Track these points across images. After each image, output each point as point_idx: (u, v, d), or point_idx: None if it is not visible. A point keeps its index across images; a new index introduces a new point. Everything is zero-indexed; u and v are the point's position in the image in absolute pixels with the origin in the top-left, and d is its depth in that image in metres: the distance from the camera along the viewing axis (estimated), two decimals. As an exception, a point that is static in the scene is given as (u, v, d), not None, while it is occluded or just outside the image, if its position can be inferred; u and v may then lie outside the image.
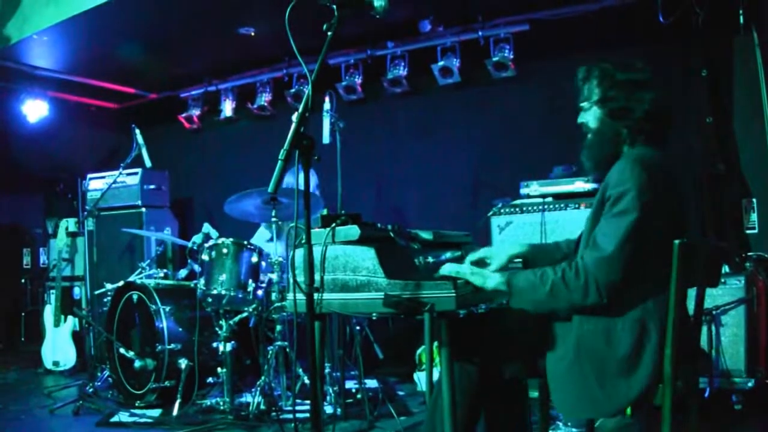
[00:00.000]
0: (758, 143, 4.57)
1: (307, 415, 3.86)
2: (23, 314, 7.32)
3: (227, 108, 6.85)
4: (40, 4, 5.48)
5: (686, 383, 2.11)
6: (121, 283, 4.94)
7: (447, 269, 2.25)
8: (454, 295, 2.08)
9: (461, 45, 5.62)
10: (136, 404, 4.54)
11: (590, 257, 2.08)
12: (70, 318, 5.93)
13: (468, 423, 2.29)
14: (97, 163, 7.38)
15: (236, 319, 4.39)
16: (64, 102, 7.18)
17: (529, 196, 4.52)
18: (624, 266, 2.04)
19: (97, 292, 5.48)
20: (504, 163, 5.59)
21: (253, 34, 5.71)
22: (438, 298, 2.09)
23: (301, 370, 4.38)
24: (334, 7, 2.17)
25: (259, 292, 4.28)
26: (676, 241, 2.03)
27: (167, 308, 4.60)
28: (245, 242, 4.39)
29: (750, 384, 3.80)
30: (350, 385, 4.55)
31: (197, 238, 4.66)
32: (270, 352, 4.27)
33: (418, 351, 5.04)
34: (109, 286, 5.22)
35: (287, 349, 4.28)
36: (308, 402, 3.80)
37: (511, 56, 5.36)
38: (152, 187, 6.35)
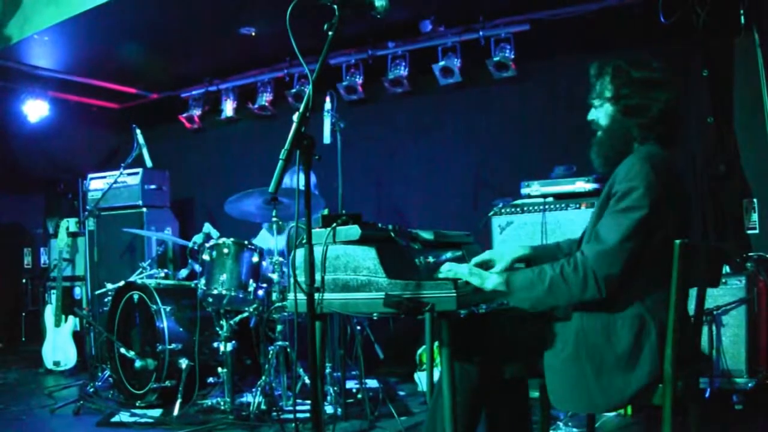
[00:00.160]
0: (759, 143, 4.57)
1: (308, 415, 3.86)
2: (24, 314, 7.33)
3: (228, 108, 6.86)
4: (41, 4, 5.49)
5: (686, 383, 2.10)
6: (121, 283, 4.94)
7: (446, 270, 2.26)
8: (454, 295, 2.08)
9: (462, 45, 5.62)
10: (137, 404, 4.53)
11: (590, 250, 2.08)
12: (70, 318, 5.93)
13: (468, 423, 2.29)
14: (98, 163, 7.39)
15: (237, 319, 4.39)
16: (64, 102, 7.18)
17: (529, 196, 4.52)
18: (624, 261, 2.04)
19: (97, 292, 5.49)
20: (505, 163, 5.59)
21: (253, 34, 5.71)
22: (439, 298, 2.09)
23: (301, 370, 4.38)
24: (335, 6, 2.17)
25: (260, 292, 4.28)
26: (677, 241, 2.03)
27: (168, 308, 4.60)
28: (246, 242, 4.39)
29: (751, 384, 3.80)
30: (351, 385, 4.55)
31: (198, 238, 4.66)
32: (271, 352, 4.27)
33: (419, 351, 5.04)
34: (109, 286, 5.22)
35: (288, 349, 4.28)
36: (309, 402, 3.80)
37: (512, 56, 5.36)
38: (153, 187, 6.35)
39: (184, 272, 5.32)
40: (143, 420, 4.24)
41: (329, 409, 4.20)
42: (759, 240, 4.55)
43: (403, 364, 5.31)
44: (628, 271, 2.05)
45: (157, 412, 4.36)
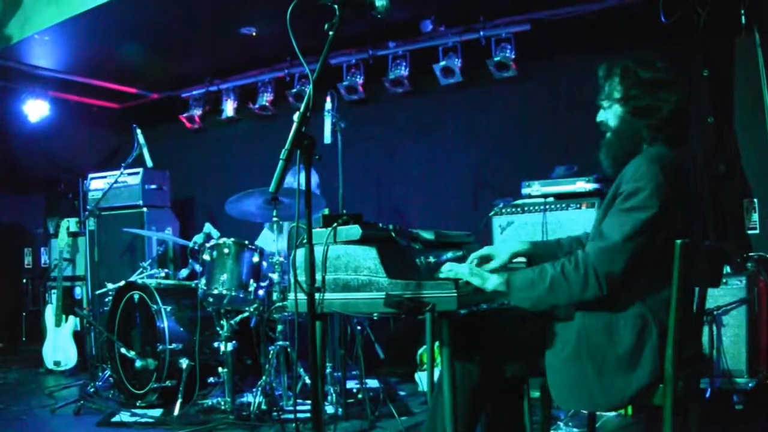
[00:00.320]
0: (759, 143, 4.57)
1: (308, 415, 3.86)
2: (24, 314, 7.33)
3: (229, 108, 6.86)
4: (41, 3, 5.49)
5: (687, 383, 2.10)
6: (122, 282, 4.94)
7: (447, 270, 2.26)
8: (455, 295, 2.08)
9: (463, 45, 5.62)
10: (137, 404, 4.53)
11: (593, 247, 2.09)
12: (71, 318, 5.93)
13: (469, 422, 2.29)
14: (99, 163, 7.40)
15: (237, 318, 4.39)
16: (65, 102, 7.18)
17: (530, 196, 4.52)
18: (627, 260, 2.04)
19: (98, 292, 5.49)
20: (505, 163, 5.59)
21: (254, 34, 5.72)
22: (439, 298, 2.09)
23: (302, 370, 4.38)
24: (336, 6, 2.17)
25: (261, 292, 4.28)
26: (678, 241, 2.03)
27: (168, 308, 4.60)
28: (246, 242, 4.39)
29: (751, 384, 3.80)
30: (351, 385, 4.55)
31: (198, 238, 4.66)
32: (271, 351, 4.27)
33: (420, 351, 5.04)
34: (110, 285, 5.22)
35: (288, 349, 4.28)
36: (309, 402, 3.80)
37: (513, 56, 5.36)
38: (153, 186, 6.35)
39: (184, 272, 5.32)
40: (144, 420, 4.24)
41: (330, 409, 4.20)
42: (759, 240, 4.55)
43: (404, 364, 5.31)
44: (631, 271, 2.05)
45: (157, 412, 4.36)
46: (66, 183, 7.68)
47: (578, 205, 4.32)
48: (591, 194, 4.32)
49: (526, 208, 4.49)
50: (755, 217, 4.60)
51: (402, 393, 4.85)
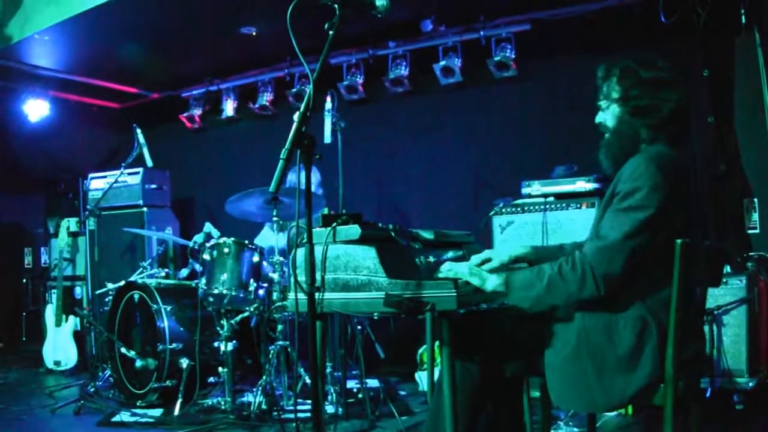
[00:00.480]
0: (759, 143, 4.57)
1: (309, 414, 3.86)
2: (24, 314, 7.32)
3: (229, 108, 6.86)
4: (42, 3, 5.49)
5: (688, 384, 2.10)
6: (122, 282, 4.94)
7: (446, 270, 2.25)
8: (455, 294, 2.08)
9: (463, 45, 5.62)
10: (138, 404, 4.53)
11: (590, 247, 2.08)
12: (71, 318, 5.93)
13: (469, 422, 2.29)
14: (99, 163, 7.39)
15: (237, 318, 4.39)
16: (65, 102, 7.18)
17: (530, 196, 4.51)
18: (625, 260, 2.03)
19: (98, 292, 5.49)
20: (505, 163, 5.59)
21: (254, 33, 5.72)
22: (439, 297, 2.09)
23: (302, 370, 4.38)
24: (336, 6, 2.17)
25: (261, 292, 4.28)
26: (678, 240, 2.03)
27: (168, 308, 4.60)
28: (246, 242, 4.39)
29: (751, 384, 3.80)
30: (351, 384, 4.55)
31: (198, 238, 4.66)
32: (271, 351, 4.27)
33: (420, 350, 5.04)
34: (110, 285, 5.22)
35: (288, 349, 4.28)
36: (309, 401, 3.80)
37: (513, 56, 5.36)
38: (153, 186, 6.35)
39: (184, 272, 5.32)
40: (144, 420, 4.24)
41: (330, 408, 4.20)
42: (759, 240, 4.55)
43: (404, 364, 5.31)
44: (630, 271, 2.04)
45: (157, 412, 4.36)
46: (66, 183, 7.67)
47: (578, 205, 4.32)
48: (591, 194, 4.32)
49: (526, 208, 4.49)
50: (755, 216, 4.60)
51: (402, 392, 4.86)
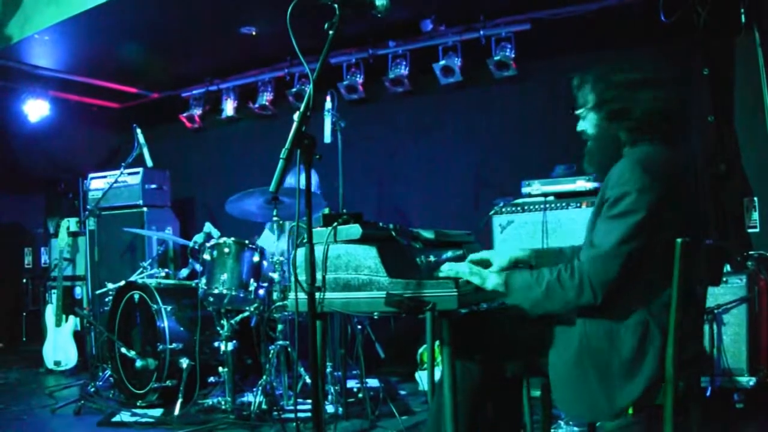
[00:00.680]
0: (760, 142, 4.57)
1: (309, 414, 3.86)
2: (24, 314, 7.32)
3: (229, 107, 6.86)
4: (42, 3, 5.49)
5: (688, 383, 2.10)
6: (122, 282, 4.94)
7: (447, 269, 2.25)
8: (455, 294, 2.08)
9: (463, 44, 5.62)
10: (138, 404, 4.53)
11: (586, 256, 2.07)
12: (71, 318, 5.93)
13: (470, 422, 2.29)
14: (99, 163, 7.39)
15: (238, 318, 4.39)
16: (65, 101, 7.18)
17: (530, 195, 4.52)
18: (621, 265, 2.01)
19: (98, 292, 5.48)
20: (505, 162, 5.59)
21: (254, 33, 5.72)
22: (440, 297, 2.09)
23: (302, 370, 4.38)
24: (336, 6, 2.17)
25: (261, 292, 4.28)
26: (678, 240, 2.02)
27: (168, 308, 4.60)
28: (247, 241, 4.39)
29: (752, 383, 3.80)
30: (352, 384, 4.55)
31: (198, 238, 4.66)
32: (271, 351, 4.27)
33: (420, 350, 5.04)
34: (110, 285, 5.22)
35: (289, 349, 4.28)
36: (310, 401, 3.80)
37: (513, 55, 5.36)
38: (153, 186, 6.35)
39: (184, 272, 5.32)
40: (144, 420, 4.24)
41: (330, 408, 4.20)
42: (760, 239, 4.55)
43: (404, 364, 5.31)
44: (627, 275, 2.02)
45: (158, 412, 4.36)
46: (66, 183, 7.67)
47: (578, 204, 4.32)
48: (591, 193, 4.32)
49: (526, 207, 4.49)
50: (755, 215, 4.60)
51: (402, 392, 4.86)
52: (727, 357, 3.84)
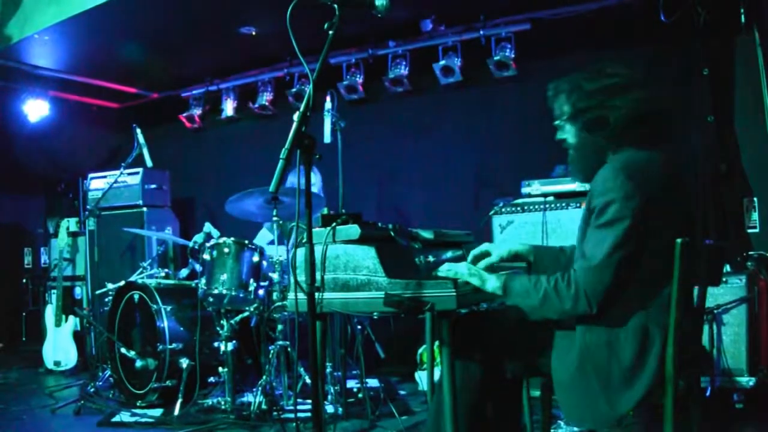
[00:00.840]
0: (759, 142, 4.57)
1: (309, 414, 3.86)
2: (24, 314, 7.31)
3: (228, 107, 6.86)
4: (42, 3, 5.49)
5: (688, 383, 2.10)
6: (122, 282, 4.94)
7: (446, 269, 2.25)
8: (454, 294, 2.08)
9: (462, 44, 5.62)
10: (138, 404, 4.53)
11: (579, 268, 2.07)
12: (71, 318, 5.93)
13: (470, 422, 2.29)
14: (98, 163, 7.39)
15: (237, 318, 4.39)
16: (65, 101, 7.18)
17: (530, 195, 4.51)
18: (613, 274, 2.01)
19: (98, 292, 5.48)
20: (505, 162, 5.59)
21: (254, 33, 5.72)
22: (439, 297, 2.09)
23: (302, 370, 4.38)
24: (336, 6, 2.17)
25: (261, 292, 4.28)
26: (678, 240, 2.02)
27: (168, 308, 4.60)
28: (246, 242, 4.39)
29: (751, 383, 3.80)
30: (351, 384, 4.55)
31: (198, 238, 4.66)
32: (271, 351, 4.27)
33: (420, 350, 5.04)
34: (110, 285, 5.22)
35: (288, 349, 4.28)
36: (310, 401, 3.80)
37: (513, 55, 5.36)
38: (153, 186, 6.35)
39: (184, 272, 5.31)
40: (144, 420, 4.24)
41: (330, 408, 4.20)
42: (759, 239, 4.55)
43: (404, 364, 5.31)
44: (621, 282, 2.02)
45: (157, 412, 4.36)
46: (66, 183, 7.67)
47: (578, 204, 4.31)
48: (591, 193, 4.31)
49: (526, 207, 4.49)
50: (755, 215, 4.60)
51: (402, 392, 4.86)
52: (726, 357, 3.84)
